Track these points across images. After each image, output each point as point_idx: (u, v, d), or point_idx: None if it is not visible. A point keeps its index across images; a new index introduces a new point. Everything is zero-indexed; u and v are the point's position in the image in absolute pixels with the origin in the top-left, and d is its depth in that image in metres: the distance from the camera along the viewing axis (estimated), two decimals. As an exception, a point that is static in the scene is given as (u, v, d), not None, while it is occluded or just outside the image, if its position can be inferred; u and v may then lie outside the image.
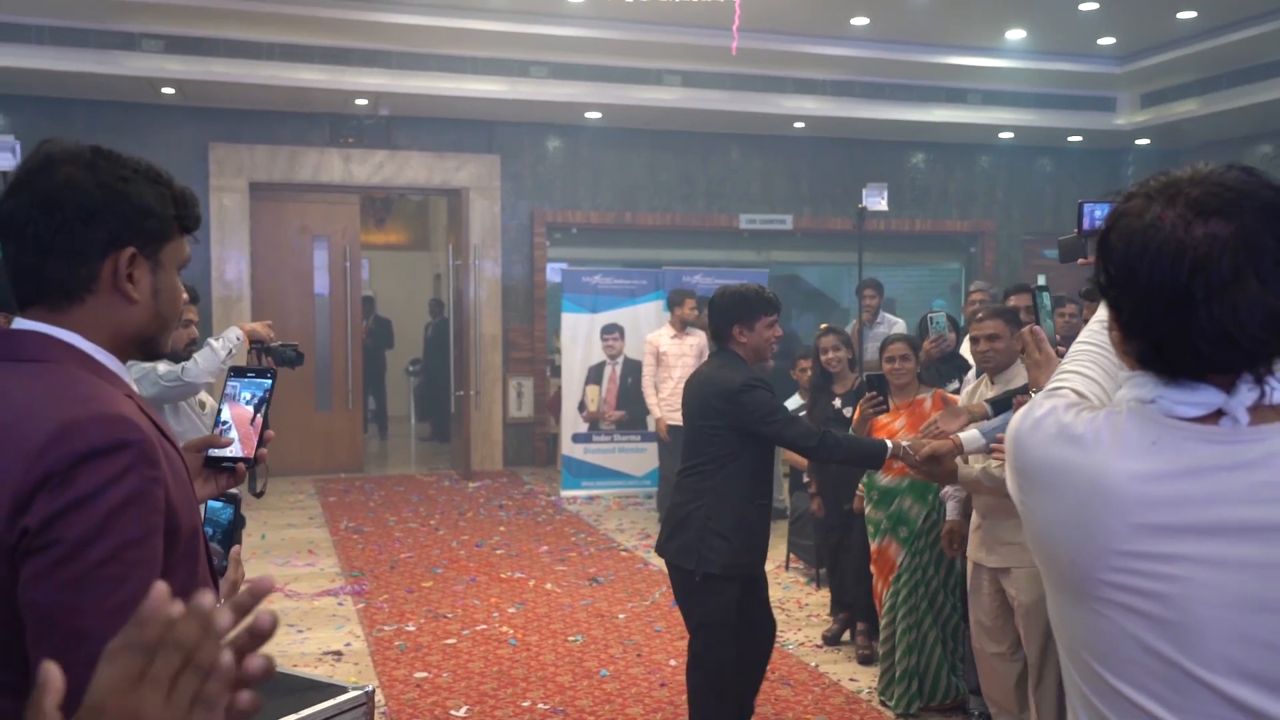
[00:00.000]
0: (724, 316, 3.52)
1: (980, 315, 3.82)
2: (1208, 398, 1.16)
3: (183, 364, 3.62)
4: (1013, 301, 5.05)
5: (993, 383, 3.73)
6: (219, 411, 1.65)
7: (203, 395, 3.85)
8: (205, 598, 0.77)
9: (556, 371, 9.61)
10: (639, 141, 10.13)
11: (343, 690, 2.91)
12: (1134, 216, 1.18)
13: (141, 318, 1.36)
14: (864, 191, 6.26)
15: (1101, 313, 1.55)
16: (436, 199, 12.34)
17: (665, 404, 7.18)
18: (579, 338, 8.73)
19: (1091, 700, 1.24)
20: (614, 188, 10.16)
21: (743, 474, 3.44)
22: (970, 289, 6.32)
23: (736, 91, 9.22)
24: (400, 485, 9.17)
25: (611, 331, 8.69)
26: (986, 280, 11.29)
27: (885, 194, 6.18)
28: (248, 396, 1.64)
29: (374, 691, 2.92)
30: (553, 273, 10.20)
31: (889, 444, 3.42)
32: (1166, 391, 1.18)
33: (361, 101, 9.00)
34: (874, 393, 4.03)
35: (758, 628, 3.62)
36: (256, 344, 3.80)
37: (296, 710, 2.69)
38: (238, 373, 1.68)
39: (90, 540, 1.16)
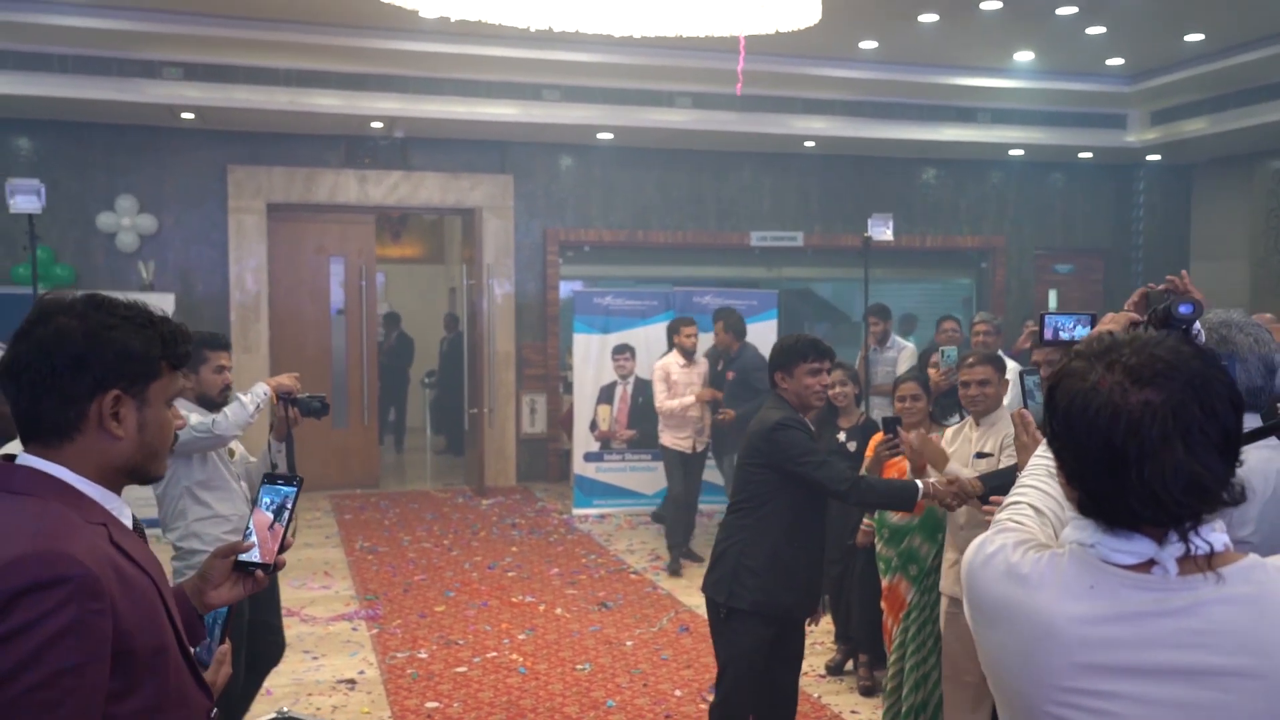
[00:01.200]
0: (770, 363, 3.62)
1: (970, 360, 3.90)
2: (1141, 548, 1.27)
3: (214, 417, 3.69)
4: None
5: (978, 425, 3.83)
6: (249, 517, 1.76)
7: (233, 444, 3.94)
8: None
9: (569, 388, 9.72)
10: (651, 161, 10.24)
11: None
12: (1077, 378, 1.29)
13: (127, 451, 1.50)
14: (869, 221, 6.36)
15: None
16: (451, 216, 12.47)
17: (676, 431, 7.30)
18: (590, 358, 8.85)
19: None
20: (626, 206, 10.27)
21: (781, 513, 3.45)
22: (975, 320, 6.38)
23: (747, 113, 9.31)
24: (415, 502, 9.31)
25: (622, 352, 8.79)
26: (996, 299, 11.36)
27: (891, 224, 6.28)
28: (268, 502, 1.76)
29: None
30: (565, 290, 10.32)
31: (919, 484, 3.45)
32: (1104, 539, 1.29)
33: (377, 124, 9.14)
34: (891, 435, 4.12)
35: (779, 690, 3.61)
36: (284, 396, 3.88)
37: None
38: (269, 479, 1.79)
39: (24, 668, 1.27)
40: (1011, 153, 10.76)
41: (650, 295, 9.06)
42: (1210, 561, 1.26)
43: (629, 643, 5.59)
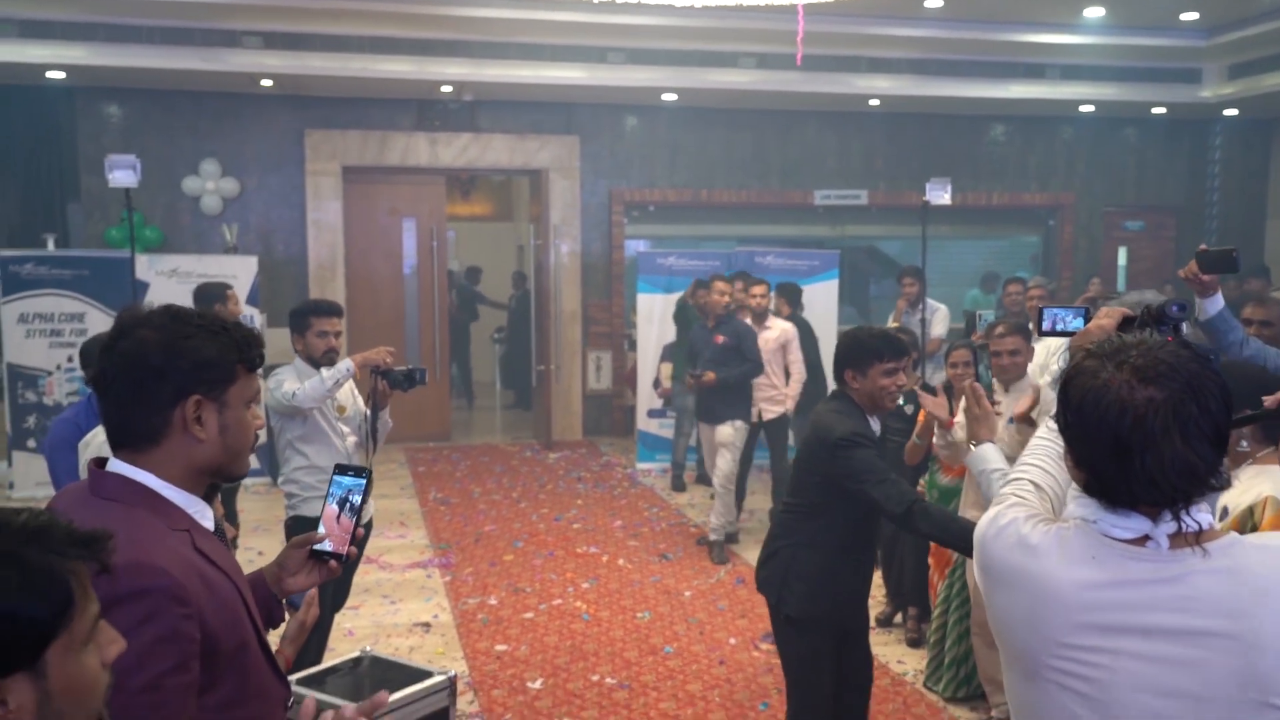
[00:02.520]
0: (838, 358, 3.36)
1: (1000, 330, 4.06)
2: (1138, 525, 1.47)
3: (295, 390, 4.04)
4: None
5: (1006, 392, 3.98)
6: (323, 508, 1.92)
7: (342, 400, 4.26)
8: (349, 712, 1.15)
9: (633, 345, 9.95)
10: (715, 121, 10.33)
11: (429, 675, 3.33)
12: (1090, 375, 1.48)
13: (211, 452, 1.63)
14: (928, 185, 6.42)
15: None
16: (519, 176, 12.71)
17: None
18: (654, 317, 9.05)
19: None
20: (690, 166, 10.39)
21: (837, 526, 3.28)
22: (1030, 284, 6.44)
23: (810, 73, 9.33)
24: (485, 455, 9.66)
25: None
26: (1063, 257, 11.27)
27: (949, 188, 6.34)
28: (336, 495, 1.88)
29: (455, 677, 3.33)
30: (630, 249, 10.52)
31: None
32: (1105, 516, 1.49)
33: (447, 88, 9.37)
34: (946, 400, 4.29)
35: (856, 690, 3.45)
36: (375, 370, 4.16)
37: (393, 692, 3.12)
38: (340, 469, 1.91)
39: (129, 674, 1.36)
40: (1082, 109, 10.61)
41: (712, 255, 9.22)
42: (1198, 538, 1.45)
43: (687, 593, 5.85)
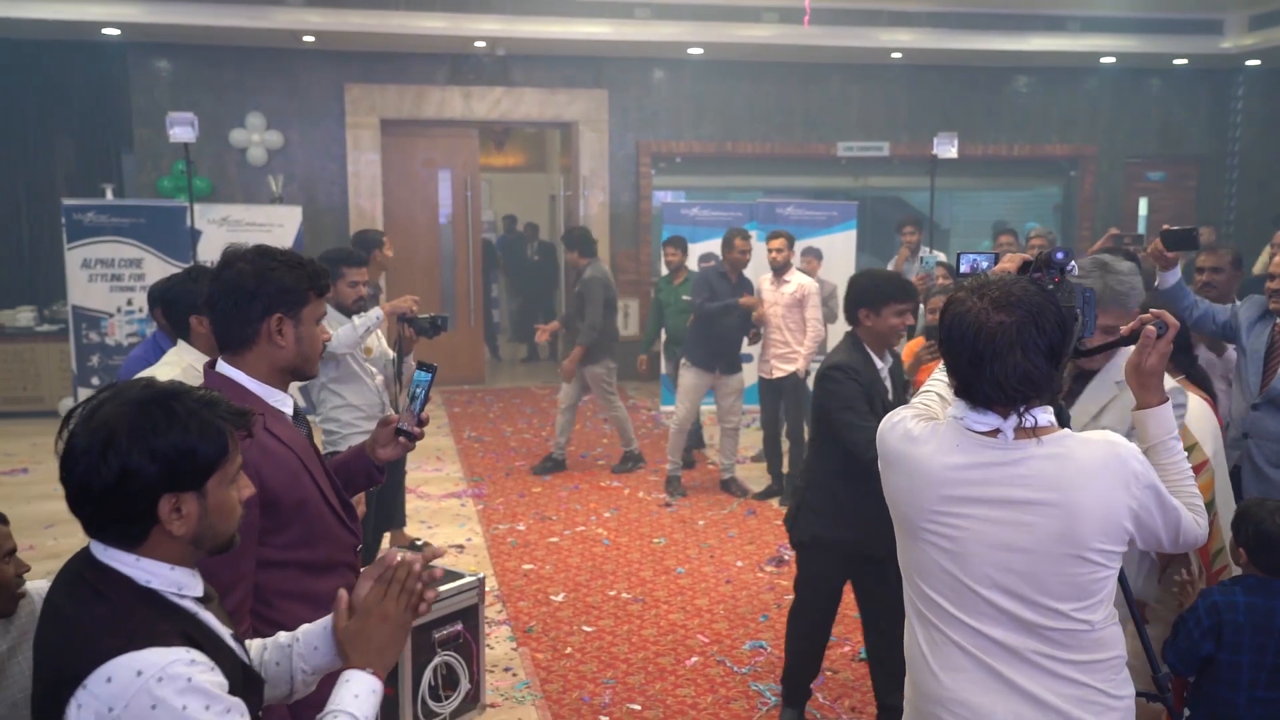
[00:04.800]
0: (852, 299, 3.58)
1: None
2: (991, 421, 1.90)
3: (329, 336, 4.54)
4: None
5: None
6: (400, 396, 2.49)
7: (369, 342, 4.79)
8: (411, 556, 1.64)
9: (660, 293, 10.30)
10: (739, 74, 10.60)
11: (461, 575, 3.81)
12: (959, 304, 1.91)
13: (288, 357, 2.15)
14: (935, 140, 6.71)
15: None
16: (550, 129, 13.05)
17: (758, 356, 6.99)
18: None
19: (914, 601, 2.03)
20: (715, 119, 10.69)
21: (834, 454, 3.49)
22: (1030, 233, 6.73)
23: (832, 26, 9.57)
24: (517, 398, 10.15)
25: (708, 259, 9.33)
26: (1084, 207, 11.46)
27: (955, 142, 6.62)
28: (411, 389, 2.43)
29: (484, 579, 3.80)
30: (658, 200, 10.86)
31: None
32: (969, 414, 1.93)
33: (480, 44, 9.72)
34: (934, 342, 4.65)
35: (885, 614, 3.53)
36: (402, 317, 4.64)
37: (421, 619, 3.60)
38: (420, 365, 2.42)
39: None
40: (1103, 60, 10.76)
41: (734, 206, 9.55)
42: (1035, 431, 1.88)
43: (701, 522, 6.30)
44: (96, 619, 1.41)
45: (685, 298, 7.28)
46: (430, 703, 3.62)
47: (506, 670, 4.35)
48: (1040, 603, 1.86)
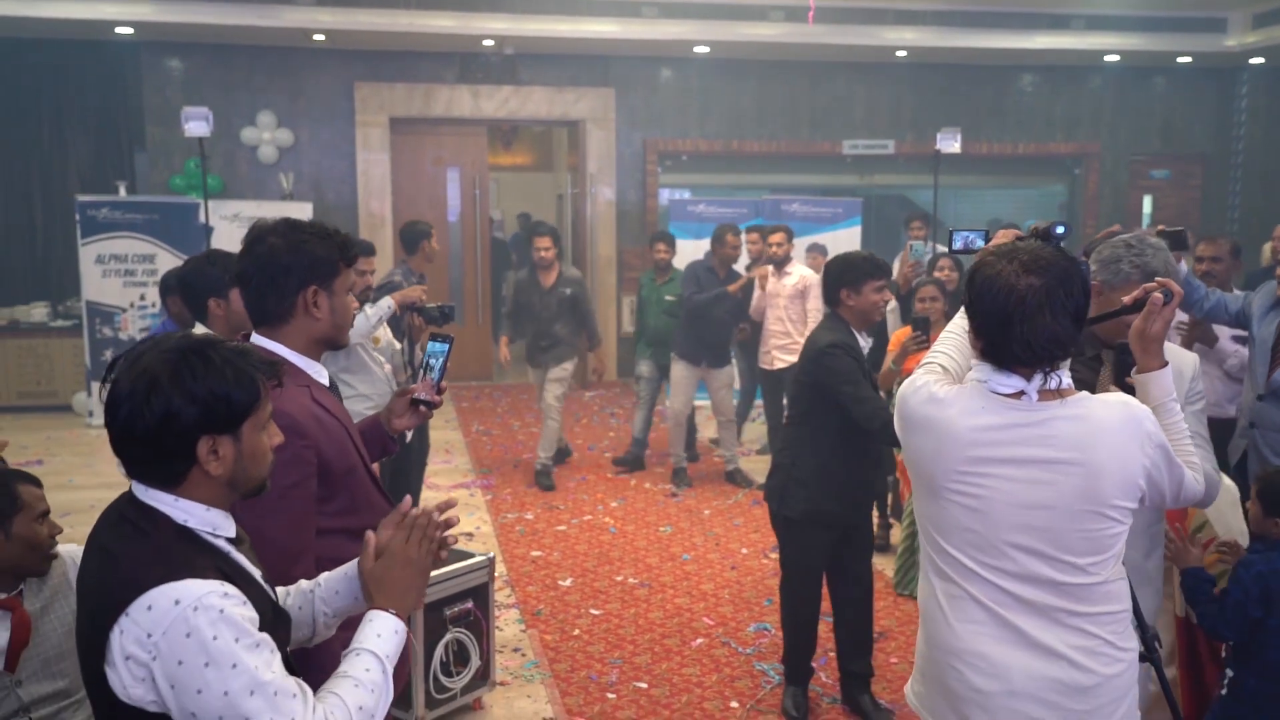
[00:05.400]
0: (832, 281, 3.68)
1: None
2: (1015, 383, 1.98)
3: None
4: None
5: None
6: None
7: (378, 331, 4.88)
8: (425, 508, 1.74)
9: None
10: (746, 72, 10.68)
11: (472, 556, 3.89)
12: (989, 267, 1.99)
13: (324, 328, 2.18)
14: (938, 135, 6.79)
15: (961, 314, 2.32)
16: (558, 128, 13.15)
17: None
18: (684, 261, 9.48)
19: (933, 558, 2.09)
20: (722, 117, 10.77)
21: (827, 429, 3.61)
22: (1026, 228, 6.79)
23: (838, 25, 9.65)
24: (525, 393, 10.23)
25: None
26: (1088, 205, 11.52)
27: (959, 137, 6.70)
28: (427, 357, 2.48)
29: (494, 559, 3.89)
30: (664, 198, 10.95)
31: None
32: (994, 376, 2.00)
33: (488, 42, 9.81)
34: (919, 333, 4.73)
35: (855, 582, 3.84)
36: (409, 306, 4.75)
37: (440, 568, 3.69)
38: (434, 336, 2.46)
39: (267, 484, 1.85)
40: (1107, 59, 10.82)
41: (740, 203, 9.63)
42: (1059, 393, 1.96)
43: (706, 511, 6.38)
44: (139, 553, 1.50)
45: (669, 297, 7.20)
46: (442, 678, 3.70)
47: (516, 650, 4.43)
48: (1058, 558, 1.94)
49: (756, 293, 6.98)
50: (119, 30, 9.21)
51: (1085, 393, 2.00)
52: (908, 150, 11.10)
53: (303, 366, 2.17)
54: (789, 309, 6.79)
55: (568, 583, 5.20)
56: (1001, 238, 2.31)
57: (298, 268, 2.12)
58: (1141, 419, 1.96)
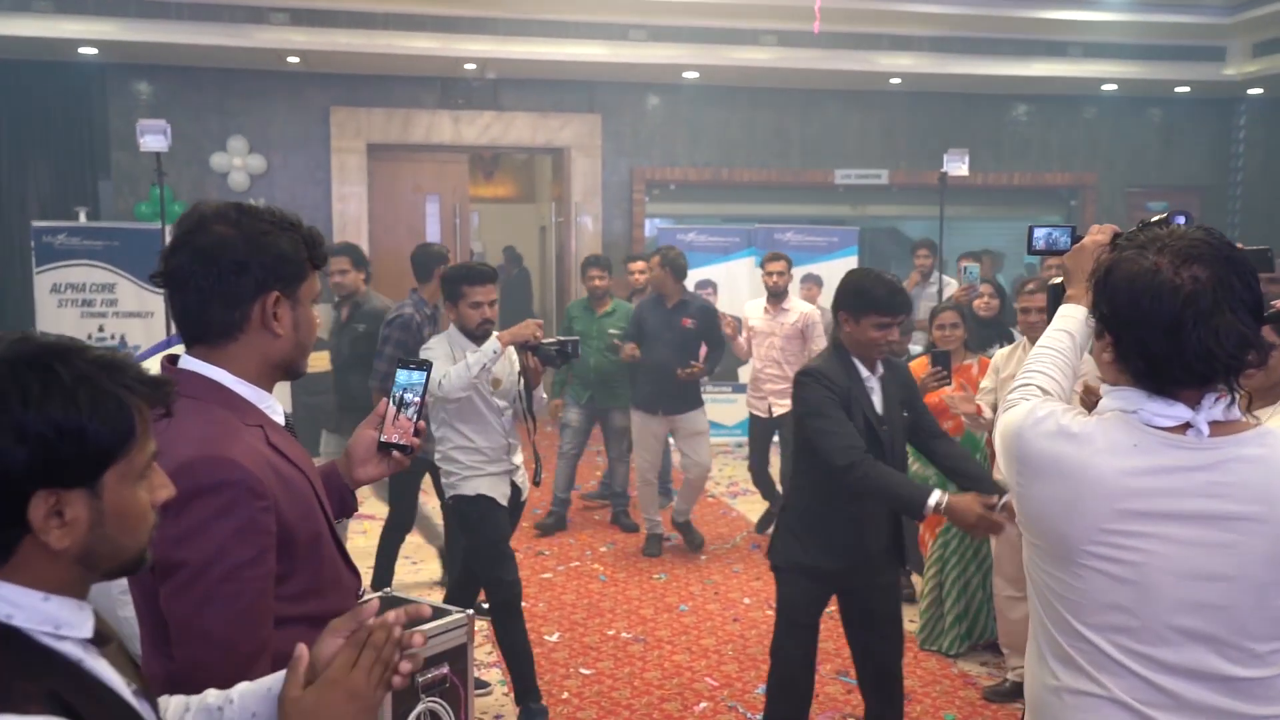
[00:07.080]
0: (838, 297, 3.24)
1: (1031, 287, 4.10)
2: (1179, 412, 1.52)
3: (439, 379, 3.78)
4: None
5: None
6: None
7: (497, 372, 3.99)
8: (391, 615, 1.27)
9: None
10: (736, 99, 10.37)
11: (449, 613, 3.43)
12: (1132, 263, 1.52)
13: (285, 348, 1.63)
14: (945, 157, 6.46)
15: (1060, 321, 1.90)
16: (541, 156, 12.81)
17: (751, 392, 6.45)
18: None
19: (1059, 640, 1.60)
20: (711, 145, 10.45)
21: (811, 470, 3.21)
22: (1043, 266, 6.45)
23: (831, 50, 9.36)
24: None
25: (704, 287, 9.04)
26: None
27: (967, 159, 6.37)
28: (398, 390, 1.84)
29: (474, 615, 3.42)
30: (650, 228, 10.59)
31: (935, 495, 2.94)
32: (1147, 404, 1.53)
33: (470, 66, 9.46)
34: (939, 368, 4.34)
35: (873, 647, 3.34)
36: (526, 346, 3.92)
37: (411, 627, 3.22)
38: (402, 364, 1.85)
39: (210, 564, 1.43)
40: (1104, 88, 10.59)
41: (731, 232, 9.28)
42: (1230, 425, 1.52)
43: (703, 556, 5.93)
44: None
45: (612, 330, 6.29)
46: (413, 755, 3.22)
47: (498, 719, 3.96)
48: (1235, 644, 1.49)
49: (744, 333, 6.40)
50: (82, 50, 8.80)
51: (1265, 425, 1.54)
52: (902, 180, 10.80)
53: (253, 400, 1.61)
54: (786, 349, 6.20)
55: (555, 638, 4.74)
56: (1096, 234, 1.91)
57: (255, 266, 1.57)
58: None
